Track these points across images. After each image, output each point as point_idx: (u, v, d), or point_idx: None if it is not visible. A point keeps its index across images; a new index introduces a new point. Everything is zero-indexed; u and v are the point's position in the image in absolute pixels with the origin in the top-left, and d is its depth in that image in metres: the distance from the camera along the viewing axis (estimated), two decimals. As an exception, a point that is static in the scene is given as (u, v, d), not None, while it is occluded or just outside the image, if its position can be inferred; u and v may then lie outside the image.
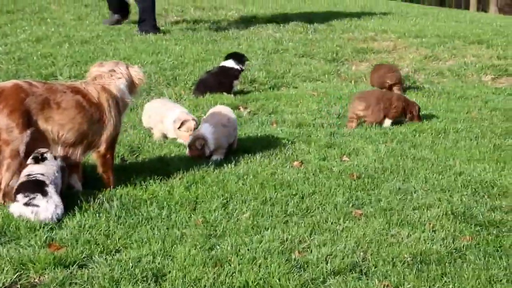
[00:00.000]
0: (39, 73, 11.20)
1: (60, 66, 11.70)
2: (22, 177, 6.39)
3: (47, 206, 6.15)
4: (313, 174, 7.77)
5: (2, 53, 12.12)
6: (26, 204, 6.13)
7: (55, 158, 6.60)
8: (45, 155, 6.54)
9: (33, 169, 6.42)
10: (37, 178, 6.32)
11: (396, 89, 12.04)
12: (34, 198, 6.15)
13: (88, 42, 13.63)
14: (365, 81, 12.89)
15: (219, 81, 11.18)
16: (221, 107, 8.92)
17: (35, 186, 6.25)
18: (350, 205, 6.97)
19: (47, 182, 6.33)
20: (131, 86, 7.21)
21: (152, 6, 15.25)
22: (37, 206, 6.13)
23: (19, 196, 6.19)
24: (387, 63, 13.41)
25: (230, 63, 11.31)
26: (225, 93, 11.04)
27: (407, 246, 6.02)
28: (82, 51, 12.83)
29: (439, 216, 6.71)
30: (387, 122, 10.06)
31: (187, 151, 8.23)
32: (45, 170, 6.42)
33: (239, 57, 11.46)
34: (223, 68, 11.33)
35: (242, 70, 11.41)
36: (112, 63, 7.26)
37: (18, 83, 6.62)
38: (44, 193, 6.22)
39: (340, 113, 10.51)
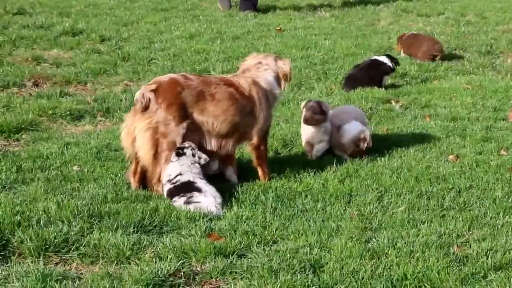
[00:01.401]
0: (193, 68, 11.42)
1: (213, 62, 11.91)
2: (165, 182, 6.59)
3: (207, 201, 6.33)
4: (469, 168, 7.61)
5: (158, 49, 12.43)
6: (187, 202, 6.35)
7: (194, 154, 6.69)
8: (184, 150, 6.68)
9: (170, 173, 6.60)
10: (181, 181, 6.52)
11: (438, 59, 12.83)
12: (192, 196, 6.37)
13: (239, 38, 13.80)
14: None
15: (369, 75, 11.08)
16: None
17: (187, 188, 6.47)
18: (510, 200, 6.77)
19: (192, 179, 6.52)
20: (279, 78, 7.29)
21: None
22: (198, 202, 6.33)
23: (176, 198, 6.43)
24: (422, 34, 13.92)
25: (384, 59, 11.20)
26: (375, 87, 10.94)
27: None
28: (233, 46, 12.99)
29: None
30: None
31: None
32: (180, 168, 6.59)
33: (393, 58, 11.33)
34: (375, 61, 11.23)
35: (393, 69, 11.26)
36: (262, 56, 7.35)
37: (174, 77, 6.81)
38: (199, 190, 6.41)
39: (497, 107, 10.21)
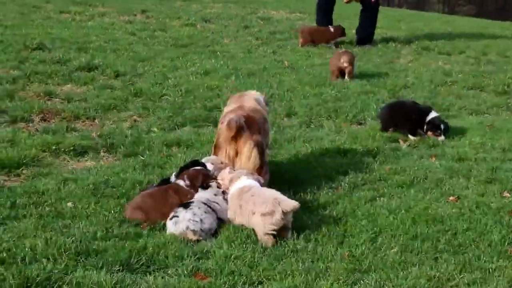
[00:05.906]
0: (204, 105, 11.42)
1: (224, 99, 11.90)
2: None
3: (184, 216, 6.61)
4: (469, 210, 7.51)
5: (170, 85, 12.44)
6: (170, 218, 6.66)
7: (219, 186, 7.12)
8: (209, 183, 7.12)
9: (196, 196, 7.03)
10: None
11: None
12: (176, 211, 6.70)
13: (254, 74, 13.79)
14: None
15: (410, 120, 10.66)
16: None
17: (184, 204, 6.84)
18: (506, 243, 6.67)
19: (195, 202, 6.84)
20: None
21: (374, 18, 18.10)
22: (176, 216, 6.63)
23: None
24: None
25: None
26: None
27: None
28: (247, 83, 12.97)
29: None
30: None
31: None
32: (200, 195, 7.04)
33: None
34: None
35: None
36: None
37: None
38: (186, 206, 6.73)
39: (506, 148, 10.05)
